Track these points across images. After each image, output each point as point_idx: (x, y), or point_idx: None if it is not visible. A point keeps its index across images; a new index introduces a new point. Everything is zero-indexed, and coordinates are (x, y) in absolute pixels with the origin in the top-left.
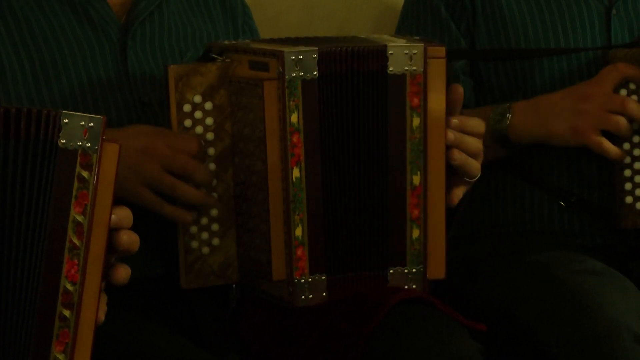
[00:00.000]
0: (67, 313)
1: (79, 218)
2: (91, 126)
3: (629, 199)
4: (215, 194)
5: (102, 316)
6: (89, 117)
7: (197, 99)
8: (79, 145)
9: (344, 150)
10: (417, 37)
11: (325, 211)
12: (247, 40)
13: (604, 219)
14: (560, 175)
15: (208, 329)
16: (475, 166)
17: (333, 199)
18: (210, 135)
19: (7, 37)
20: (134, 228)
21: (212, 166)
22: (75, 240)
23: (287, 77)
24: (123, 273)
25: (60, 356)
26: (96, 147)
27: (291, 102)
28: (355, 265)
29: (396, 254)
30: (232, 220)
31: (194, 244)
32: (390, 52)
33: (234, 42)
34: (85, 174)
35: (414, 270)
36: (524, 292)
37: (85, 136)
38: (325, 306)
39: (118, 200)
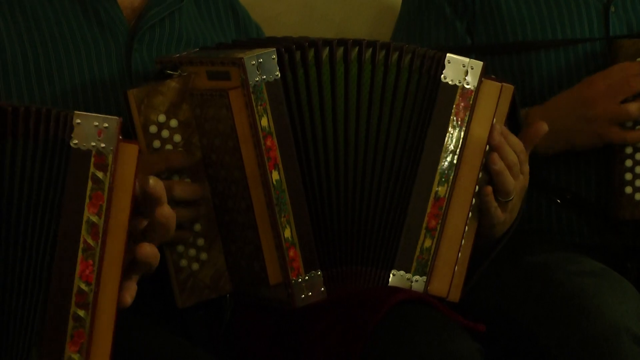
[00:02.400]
0: (81, 313)
1: (94, 219)
2: (106, 127)
3: (628, 189)
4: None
5: (128, 299)
6: (104, 117)
7: (162, 118)
8: (93, 146)
9: (324, 146)
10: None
11: (311, 208)
12: (194, 50)
13: (600, 216)
14: (556, 173)
15: (203, 340)
16: (510, 180)
17: (318, 196)
18: (180, 151)
19: (13, 30)
20: None
21: (188, 181)
22: (90, 241)
23: (251, 83)
24: (149, 250)
25: (75, 356)
26: (112, 148)
27: (259, 107)
28: (351, 259)
29: (402, 258)
30: (215, 232)
31: (183, 262)
32: (447, 60)
33: (183, 53)
34: (100, 174)
35: (416, 279)
36: (522, 294)
37: (100, 137)
38: (323, 306)
39: None
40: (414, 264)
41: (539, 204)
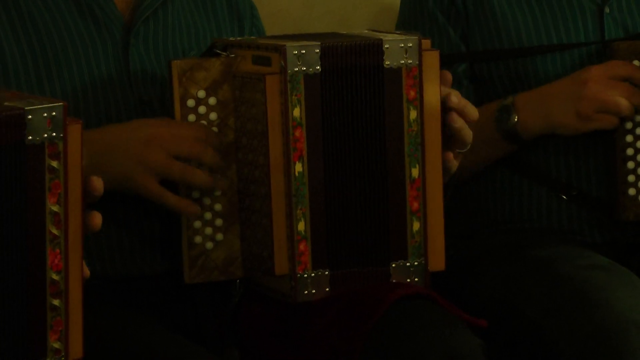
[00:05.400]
0: (57, 302)
1: (55, 208)
2: (54, 115)
3: (631, 191)
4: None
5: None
6: (51, 106)
7: (201, 94)
8: (45, 137)
9: (345, 145)
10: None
11: (327, 206)
12: (251, 37)
13: (604, 212)
14: (559, 170)
15: (209, 324)
16: (469, 133)
17: (335, 194)
18: (214, 130)
19: (10, 31)
20: (138, 225)
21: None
22: (55, 231)
23: (289, 71)
24: (98, 219)
25: (56, 344)
26: (61, 135)
27: (293, 97)
28: (358, 260)
29: (398, 248)
30: (235, 216)
31: (198, 239)
32: (386, 46)
33: (238, 38)
34: (54, 163)
35: (415, 263)
36: (529, 288)
37: (49, 126)
38: (325, 302)
39: (124, 193)
40: (409, 250)
41: (540, 201)
